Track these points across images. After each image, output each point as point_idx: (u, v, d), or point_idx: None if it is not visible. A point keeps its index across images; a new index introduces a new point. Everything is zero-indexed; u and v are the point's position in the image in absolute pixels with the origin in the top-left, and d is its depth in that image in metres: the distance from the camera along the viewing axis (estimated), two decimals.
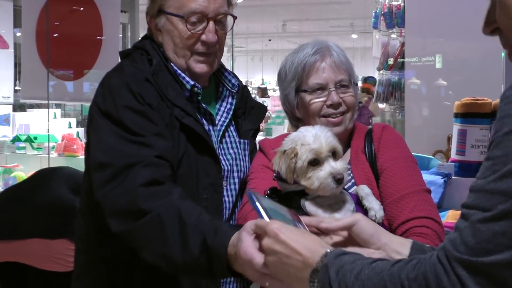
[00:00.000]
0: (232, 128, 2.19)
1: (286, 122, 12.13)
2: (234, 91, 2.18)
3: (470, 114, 2.98)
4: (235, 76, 2.23)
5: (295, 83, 2.16)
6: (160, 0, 2.07)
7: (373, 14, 5.91)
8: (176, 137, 1.96)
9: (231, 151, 2.14)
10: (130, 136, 1.88)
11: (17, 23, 6.56)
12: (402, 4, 5.48)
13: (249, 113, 2.24)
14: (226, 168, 2.08)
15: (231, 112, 2.16)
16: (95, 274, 2.04)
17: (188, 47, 2.04)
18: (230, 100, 2.18)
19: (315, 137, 1.77)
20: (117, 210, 1.79)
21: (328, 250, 1.28)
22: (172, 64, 2.07)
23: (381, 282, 1.15)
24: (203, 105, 2.08)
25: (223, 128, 2.13)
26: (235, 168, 2.13)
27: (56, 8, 5.20)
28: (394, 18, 5.49)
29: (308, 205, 1.75)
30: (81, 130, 6.03)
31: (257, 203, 1.46)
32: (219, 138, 2.11)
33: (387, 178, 2.03)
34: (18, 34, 6.81)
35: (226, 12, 2.07)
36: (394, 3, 5.50)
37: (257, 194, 1.50)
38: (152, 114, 1.92)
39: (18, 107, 7.21)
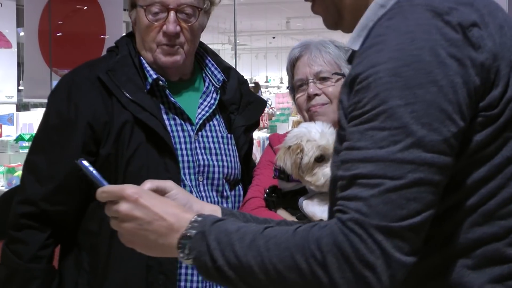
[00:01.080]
0: (215, 122, 2.17)
1: (291, 119, 12.14)
2: (218, 86, 2.17)
3: None
4: (225, 72, 2.22)
5: (290, 87, 2.26)
6: None
7: None
8: (128, 134, 1.98)
9: (211, 145, 2.13)
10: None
11: (20, 23, 6.55)
12: None
13: (244, 109, 2.22)
14: (202, 162, 2.08)
15: (213, 107, 2.15)
16: None
17: (152, 39, 2.05)
18: (214, 95, 2.17)
19: (322, 134, 1.78)
20: None
21: (197, 217, 1.25)
22: (141, 58, 2.08)
23: (286, 254, 1.13)
24: (172, 99, 2.08)
25: (200, 122, 2.12)
26: (217, 163, 2.12)
27: (59, 7, 5.20)
28: None
29: (306, 205, 1.75)
30: None
31: (92, 169, 1.37)
32: (194, 133, 2.10)
33: None
34: (22, 33, 6.81)
35: (191, 3, 2.04)
36: None
37: (87, 162, 1.39)
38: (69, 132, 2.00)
39: (22, 106, 7.22)
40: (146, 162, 1.99)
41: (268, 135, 6.19)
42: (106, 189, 1.31)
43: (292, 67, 2.24)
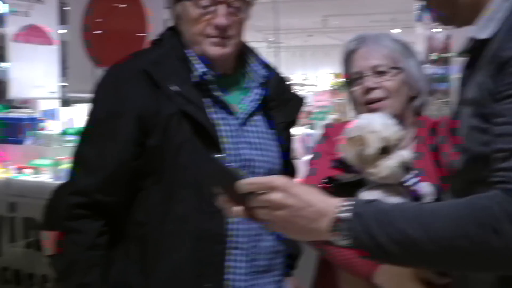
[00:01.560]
0: (258, 118, 2.19)
1: (329, 117, 12.12)
2: (261, 81, 2.19)
3: None
4: (267, 67, 2.23)
5: (346, 80, 2.25)
6: None
7: (417, 7, 5.85)
8: (175, 126, 2.01)
9: (254, 140, 2.15)
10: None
11: (61, 20, 6.66)
12: None
13: (284, 105, 2.24)
14: (246, 157, 2.10)
15: (258, 103, 2.17)
16: None
17: (200, 32, 2.07)
18: (258, 90, 2.19)
19: (385, 125, 1.77)
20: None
21: (344, 201, 1.35)
22: (189, 51, 2.10)
23: (453, 224, 1.24)
24: (217, 92, 2.10)
25: (244, 116, 2.14)
26: (260, 158, 2.14)
27: (102, 5, 5.32)
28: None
29: (366, 196, 1.72)
30: None
31: (229, 163, 1.46)
32: (237, 127, 2.12)
33: None
34: (63, 31, 6.92)
35: None
36: None
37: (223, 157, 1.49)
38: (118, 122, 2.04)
39: (64, 102, 7.34)
40: (192, 154, 2.01)
41: (309, 131, 6.24)
42: (255, 181, 1.38)
43: (347, 60, 2.23)
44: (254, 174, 2.08)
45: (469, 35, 1.41)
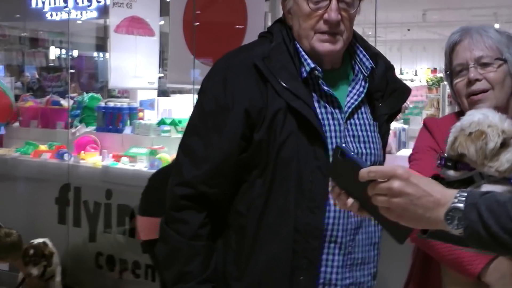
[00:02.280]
0: (363, 110, 2.18)
1: (424, 113, 11.90)
2: (366, 74, 2.17)
3: None
4: (375, 59, 2.21)
5: (448, 72, 2.20)
6: None
7: None
8: (281, 121, 2.02)
9: (360, 133, 2.15)
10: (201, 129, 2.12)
11: (162, 12, 6.78)
12: None
13: (388, 96, 2.22)
14: (353, 150, 2.09)
15: (362, 95, 2.16)
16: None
17: (311, 27, 2.07)
18: (363, 83, 2.17)
19: (501, 118, 1.76)
20: None
21: (461, 192, 1.40)
22: (298, 45, 2.10)
23: None
24: (325, 87, 2.09)
25: (350, 110, 2.13)
26: (365, 151, 2.14)
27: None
28: None
29: None
30: None
31: (353, 153, 1.51)
32: (343, 121, 2.11)
33: None
34: (162, 22, 7.04)
35: None
36: None
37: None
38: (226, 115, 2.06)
39: (162, 92, 7.47)
40: (296, 149, 2.02)
41: (403, 126, 6.14)
42: (376, 169, 1.44)
43: (451, 51, 2.19)
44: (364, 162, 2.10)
45: None
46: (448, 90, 14.56)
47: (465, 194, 1.40)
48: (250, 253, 2.09)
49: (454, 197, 1.40)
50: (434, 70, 19.35)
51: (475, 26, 2.19)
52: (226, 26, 5.21)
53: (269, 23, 5.30)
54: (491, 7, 17.96)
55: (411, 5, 15.68)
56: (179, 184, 2.12)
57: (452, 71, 2.19)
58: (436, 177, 1.80)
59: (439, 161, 1.83)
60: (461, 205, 1.38)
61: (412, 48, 22.61)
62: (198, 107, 2.17)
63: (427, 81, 15.68)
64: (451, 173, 1.79)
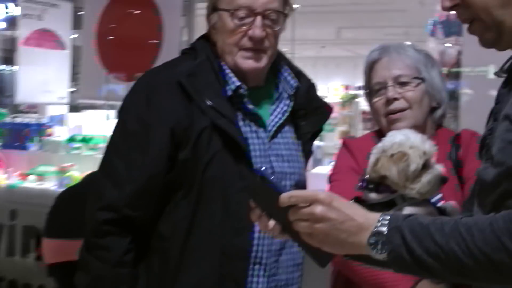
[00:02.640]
0: (287, 129, 2.16)
1: (337, 129, 12.04)
2: (291, 93, 2.14)
3: None
4: (300, 77, 2.19)
5: (367, 90, 2.22)
6: None
7: (430, 21, 5.84)
8: (206, 140, 1.97)
9: (284, 152, 2.12)
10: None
11: (75, 25, 6.63)
12: None
13: (312, 114, 2.20)
14: (278, 170, 2.08)
15: (287, 114, 2.13)
16: None
17: (235, 43, 2.03)
18: (287, 102, 2.15)
19: (422, 140, 1.75)
20: None
21: (384, 216, 1.39)
22: (222, 63, 2.06)
23: (491, 237, 1.27)
24: (249, 106, 2.06)
25: (274, 129, 2.10)
26: (289, 170, 2.12)
27: (116, 10, 5.26)
28: (451, 26, 5.41)
29: None
30: None
31: (272, 179, 1.48)
32: (268, 140, 2.08)
33: None
34: (74, 36, 6.88)
35: (277, 8, 2.03)
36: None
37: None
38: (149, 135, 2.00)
39: (72, 108, 7.30)
40: (222, 169, 1.99)
41: (318, 143, 6.13)
42: (298, 194, 1.42)
43: (370, 69, 2.20)
44: (284, 187, 2.06)
45: None
46: (360, 107, 14.86)
47: (388, 217, 1.39)
48: (174, 278, 2.03)
49: (377, 221, 1.39)
50: (346, 87, 19.66)
51: (394, 44, 2.21)
52: (140, 40, 5.13)
53: (186, 38, 5.25)
54: (402, 27, 18.43)
55: (326, 23, 15.93)
56: (101, 208, 2.02)
57: (371, 90, 2.18)
58: (358, 200, 1.77)
59: (360, 184, 1.81)
60: (384, 228, 1.37)
61: (326, 64, 22.93)
62: (119, 126, 2.10)
63: (341, 98, 15.93)
64: (373, 195, 1.77)
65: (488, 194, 1.46)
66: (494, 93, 4.30)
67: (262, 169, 1.49)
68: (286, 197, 1.41)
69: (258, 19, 2.01)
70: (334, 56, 21.54)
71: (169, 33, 4.96)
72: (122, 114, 2.11)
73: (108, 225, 2.01)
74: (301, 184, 2.17)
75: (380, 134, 2.16)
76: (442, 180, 1.73)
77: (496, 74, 1.59)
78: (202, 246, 2.02)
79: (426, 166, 1.73)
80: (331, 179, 2.19)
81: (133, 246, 2.04)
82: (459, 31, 5.16)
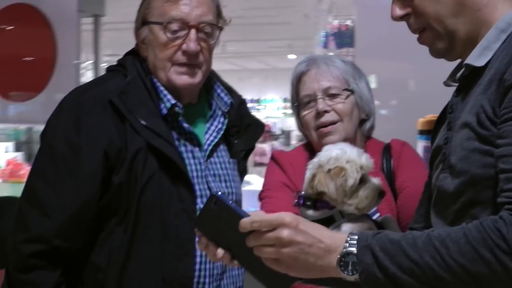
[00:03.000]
0: (221, 147, 2.09)
1: None
2: (225, 110, 2.09)
3: None
4: (230, 93, 2.13)
5: (295, 103, 2.18)
6: (143, 10, 2.00)
7: (323, 33, 5.98)
8: (141, 161, 1.87)
9: (220, 171, 2.06)
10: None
11: None
12: (351, 24, 5.56)
13: (244, 131, 2.15)
14: (214, 190, 2.00)
15: (222, 132, 2.07)
16: None
17: (168, 58, 1.95)
18: (222, 119, 2.09)
19: (358, 153, 1.74)
20: None
21: (351, 235, 1.36)
22: (154, 80, 1.97)
23: (467, 248, 1.26)
24: (184, 125, 1.98)
25: (209, 148, 2.03)
26: (227, 190, 2.06)
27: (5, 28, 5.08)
28: (343, 38, 5.56)
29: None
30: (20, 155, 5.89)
31: (230, 201, 1.43)
32: (204, 159, 2.01)
33: (407, 199, 2.00)
34: None
35: (211, 21, 1.98)
36: (347, 22, 5.58)
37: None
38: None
39: None
40: (159, 191, 1.89)
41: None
42: (261, 218, 1.35)
43: (298, 82, 2.16)
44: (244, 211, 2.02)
45: (465, 62, 1.48)
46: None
47: (356, 237, 1.36)
48: None
49: (345, 241, 1.36)
50: None
51: (321, 56, 2.21)
52: (33, 57, 4.95)
53: (84, 55, 5.11)
54: (286, 39, 18.74)
55: None
56: (27, 240, 1.86)
57: (299, 103, 2.14)
58: None
59: (296, 201, 1.77)
60: (353, 248, 1.34)
61: None
62: (44, 150, 1.95)
63: None
64: (310, 212, 1.74)
65: (450, 204, 1.45)
66: (377, 102, 4.43)
67: (219, 193, 1.44)
68: (247, 222, 1.36)
69: (192, 32, 1.95)
70: (219, 70, 21.60)
71: (63, 49, 4.81)
72: (47, 137, 1.97)
73: (36, 258, 1.86)
74: (238, 205, 2.09)
75: (309, 147, 2.14)
76: (380, 194, 1.73)
77: (445, 83, 1.62)
78: (141, 275, 1.91)
79: (363, 180, 1.72)
80: (262, 195, 2.14)
81: (64, 279, 1.91)
82: (351, 42, 5.30)
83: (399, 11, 1.52)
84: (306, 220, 1.41)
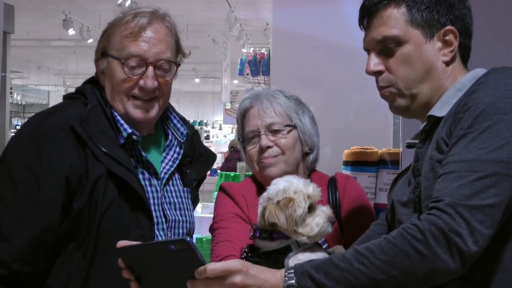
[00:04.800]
0: (176, 176, 2.10)
1: None
2: (182, 140, 2.11)
3: (359, 162, 3.09)
4: (185, 124, 2.15)
5: (240, 138, 2.21)
6: (103, 42, 1.98)
7: (239, 61, 6.06)
8: (102, 188, 1.86)
9: (175, 200, 2.06)
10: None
11: None
12: (267, 52, 5.64)
13: (196, 161, 2.17)
14: (171, 218, 2.01)
15: (177, 161, 2.09)
16: None
17: (125, 92, 1.95)
18: (177, 149, 2.11)
19: (305, 183, 1.76)
20: None
21: (286, 269, 1.52)
22: (112, 109, 1.97)
23: (389, 246, 1.43)
24: (143, 153, 1.99)
25: (166, 176, 2.04)
26: (182, 218, 2.06)
27: None
28: (260, 66, 5.64)
29: (293, 263, 1.66)
30: None
31: (198, 251, 1.48)
32: (160, 187, 2.02)
33: (354, 230, 2.05)
34: None
35: (169, 58, 1.98)
36: (263, 50, 5.66)
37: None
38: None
39: None
40: (119, 218, 1.88)
41: None
42: (214, 267, 1.48)
43: (242, 118, 2.19)
44: (177, 235, 2.03)
45: (429, 114, 1.66)
46: None
47: (292, 270, 1.51)
48: None
49: (284, 277, 1.50)
50: None
51: (265, 92, 2.22)
52: None
53: None
54: (191, 63, 18.85)
55: None
56: None
57: (244, 138, 2.18)
58: (252, 247, 1.77)
59: (252, 234, 1.78)
60: (293, 281, 1.49)
61: None
62: (4, 175, 1.88)
63: None
64: (267, 244, 1.75)
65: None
66: None
67: (188, 239, 1.47)
68: (202, 270, 1.47)
69: (150, 69, 1.94)
70: None
71: None
72: (7, 162, 1.90)
73: None
74: (191, 232, 2.12)
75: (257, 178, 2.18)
76: (330, 221, 1.75)
77: (408, 144, 1.76)
78: None
79: (312, 209, 1.74)
80: (215, 226, 2.13)
81: None
82: (267, 70, 5.39)
83: (373, 67, 1.70)
84: (253, 264, 1.53)
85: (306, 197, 1.73)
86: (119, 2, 8.60)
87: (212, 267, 1.47)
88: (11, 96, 22.17)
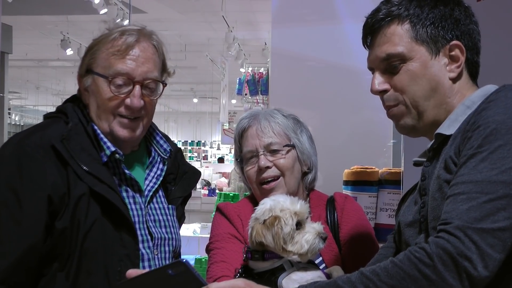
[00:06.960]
0: (161, 193, 2.08)
1: None
2: (166, 157, 2.09)
3: (360, 182, 3.06)
4: (167, 141, 2.13)
5: (238, 159, 2.18)
6: (88, 59, 1.95)
7: (237, 81, 6.05)
8: (84, 207, 1.83)
9: (160, 217, 2.04)
10: None
11: None
12: (265, 72, 5.63)
13: (180, 178, 2.14)
14: (157, 235, 1.98)
15: (161, 178, 2.06)
16: None
17: (111, 110, 1.93)
18: (161, 166, 2.09)
19: (292, 201, 1.74)
20: None
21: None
22: (95, 127, 1.94)
23: (395, 270, 1.39)
24: (126, 171, 1.96)
25: (150, 194, 2.02)
26: (167, 236, 2.03)
27: None
28: (258, 86, 5.63)
29: (287, 283, 1.66)
30: None
31: (195, 271, 1.47)
32: (145, 205, 1.99)
33: (352, 250, 2.03)
34: None
35: (156, 78, 1.96)
36: (261, 70, 5.65)
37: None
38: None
39: None
40: (102, 237, 1.84)
41: None
42: (220, 286, 1.49)
43: (240, 138, 2.17)
44: (163, 253, 1.99)
45: (437, 132, 1.63)
46: None
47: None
48: None
49: None
50: None
51: (263, 111, 2.20)
52: None
53: None
54: (189, 83, 18.90)
55: None
56: None
57: (242, 158, 2.16)
58: (247, 268, 1.75)
59: (245, 255, 1.76)
60: None
61: None
62: None
63: None
64: (260, 264, 1.73)
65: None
66: None
67: (183, 261, 1.46)
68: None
69: (137, 88, 1.92)
70: None
71: None
72: None
73: None
74: (177, 250, 2.09)
75: (255, 199, 2.14)
76: (321, 237, 1.72)
77: (415, 162, 1.74)
78: None
79: (301, 226, 1.72)
80: (211, 247, 2.11)
81: None
82: (266, 89, 5.37)
83: (378, 87, 1.66)
84: (255, 284, 1.53)
85: (293, 214, 1.71)
86: (117, 21, 8.60)
87: (215, 286, 1.46)
88: (9, 117, 22.19)
